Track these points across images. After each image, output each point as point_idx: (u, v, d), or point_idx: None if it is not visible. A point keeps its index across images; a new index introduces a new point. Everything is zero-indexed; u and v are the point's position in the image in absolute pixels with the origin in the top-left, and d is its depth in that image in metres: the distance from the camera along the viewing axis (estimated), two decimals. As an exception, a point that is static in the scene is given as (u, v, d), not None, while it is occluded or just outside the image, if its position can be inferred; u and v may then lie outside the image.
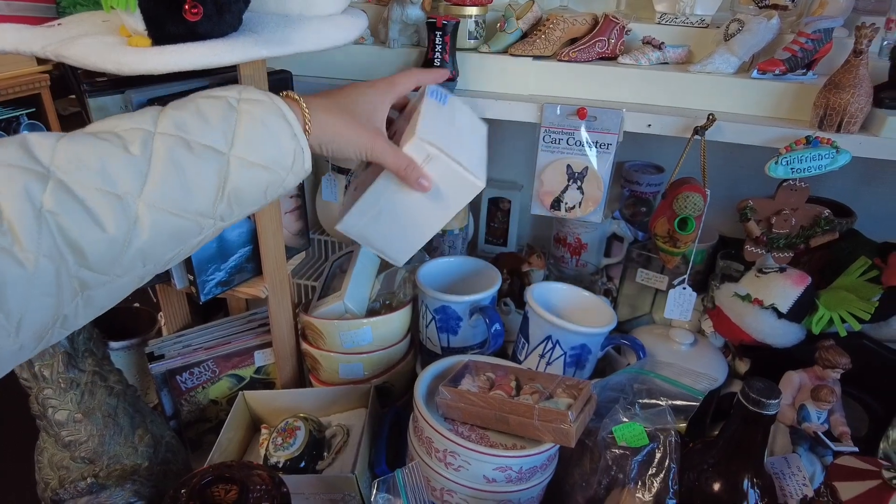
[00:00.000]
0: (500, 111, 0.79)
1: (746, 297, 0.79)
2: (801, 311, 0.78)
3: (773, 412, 0.57)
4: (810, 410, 0.75)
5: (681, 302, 0.83)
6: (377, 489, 0.52)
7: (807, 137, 0.70)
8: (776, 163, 0.71)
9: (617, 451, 0.67)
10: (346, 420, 0.83)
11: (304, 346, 0.84)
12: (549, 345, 0.78)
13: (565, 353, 0.78)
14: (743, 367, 0.87)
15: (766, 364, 0.84)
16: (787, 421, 0.76)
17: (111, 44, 0.55)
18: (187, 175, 0.45)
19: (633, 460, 0.66)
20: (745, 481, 0.61)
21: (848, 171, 0.97)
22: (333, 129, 0.55)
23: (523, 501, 0.67)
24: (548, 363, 0.79)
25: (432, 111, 0.65)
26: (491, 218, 1.12)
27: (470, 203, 1.09)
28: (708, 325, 0.85)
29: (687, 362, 0.80)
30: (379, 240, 0.69)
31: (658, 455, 0.65)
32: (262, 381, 0.88)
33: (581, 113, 0.76)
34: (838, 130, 0.71)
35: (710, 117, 0.72)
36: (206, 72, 0.75)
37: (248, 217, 0.73)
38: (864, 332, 0.81)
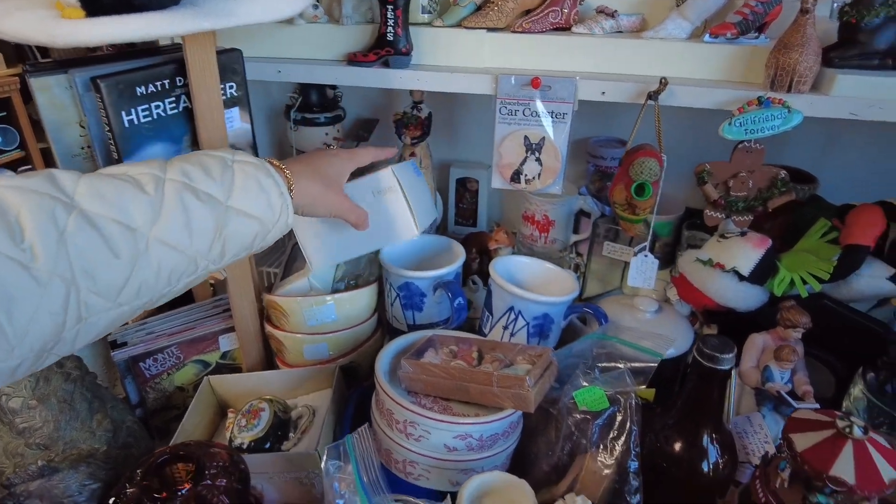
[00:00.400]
0: (454, 84, 0.79)
1: (708, 262, 0.79)
2: (762, 273, 0.78)
3: (728, 367, 0.58)
4: (774, 371, 0.75)
5: (643, 269, 0.83)
6: (327, 456, 0.52)
7: (759, 98, 0.71)
8: (730, 124, 0.71)
9: (578, 416, 0.67)
10: (312, 401, 0.83)
11: (269, 328, 0.84)
12: (512, 316, 0.78)
13: (528, 324, 0.78)
14: (710, 333, 0.87)
15: (732, 329, 0.83)
16: (752, 382, 0.77)
17: (44, 17, 0.55)
18: (192, 217, 0.50)
19: (594, 424, 0.66)
20: (705, 438, 0.61)
21: (810, 137, 0.99)
22: (311, 193, 0.62)
23: (486, 469, 0.66)
24: (511, 334, 0.79)
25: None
26: (459, 199, 1.12)
27: (437, 185, 1.10)
28: (673, 293, 0.85)
29: (651, 329, 0.80)
30: (309, 240, 0.78)
31: (619, 418, 0.65)
32: (229, 367, 0.88)
33: (535, 83, 0.75)
34: (789, 90, 0.71)
35: (662, 81, 0.72)
36: (151, 51, 0.75)
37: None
38: (826, 292, 0.81)
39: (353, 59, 0.81)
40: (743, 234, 0.80)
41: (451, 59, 0.82)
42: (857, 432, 0.58)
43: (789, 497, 0.60)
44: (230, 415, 0.81)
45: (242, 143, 0.78)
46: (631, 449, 0.64)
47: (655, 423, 0.64)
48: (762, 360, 0.77)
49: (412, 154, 0.98)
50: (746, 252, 0.78)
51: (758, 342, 0.77)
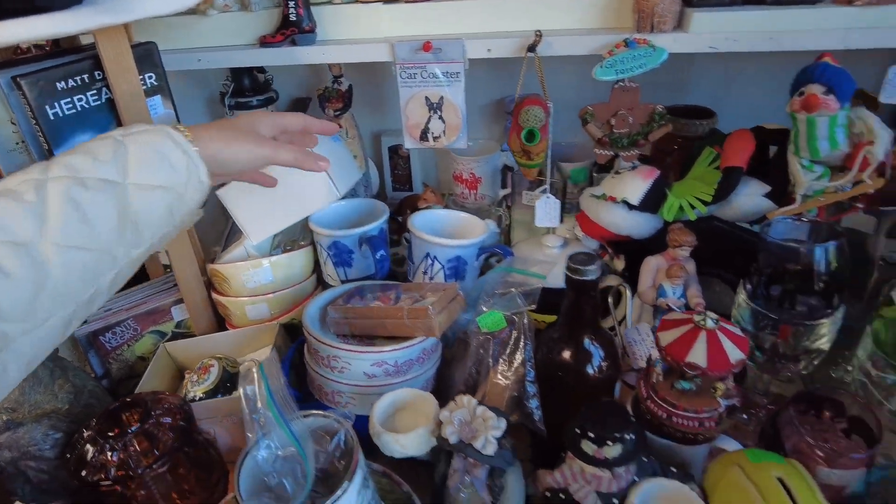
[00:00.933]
0: (356, 55, 0.86)
1: (602, 196, 0.87)
2: (652, 202, 0.86)
3: (593, 277, 0.65)
4: (666, 288, 0.83)
5: (547, 210, 0.91)
6: (244, 381, 0.60)
7: (625, 40, 0.78)
8: (601, 67, 0.79)
9: (482, 337, 0.75)
10: (258, 356, 0.91)
11: (214, 296, 0.92)
12: (429, 261, 0.86)
13: (443, 267, 0.86)
14: (619, 264, 0.95)
15: (637, 258, 0.92)
16: (648, 300, 0.85)
17: (-46, 22, 0.62)
18: (86, 210, 0.47)
19: (493, 343, 0.74)
20: (586, 342, 0.69)
21: (712, 75, 1.06)
22: (216, 144, 0.57)
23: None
24: (430, 278, 0.87)
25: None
26: (394, 166, 1.20)
27: (371, 153, 1.17)
28: (578, 230, 0.93)
29: (560, 258, 0.88)
30: (242, 213, 0.86)
31: (514, 335, 0.73)
32: (183, 335, 0.96)
33: (426, 47, 0.83)
34: (652, 31, 0.79)
35: (537, 34, 0.80)
36: (67, 50, 0.82)
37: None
38: (715, 214, 0.89)
39: (263, 42, 0.89)
40: (634, 167, 0.88)
41: (354, 32, 0.89)
42: (710, 324, 0.66)
43: (663, 388, 0.68)
44: (186, 376, 0.90)
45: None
46: (526, 361, 0.73)
47: (545, 338, 0.73)
48: (657, 279, 0.85)
49: (339, 126, 1.05)
50: (635, 183, 0.86)
51: (651, 264, 0.85)
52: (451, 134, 0.88)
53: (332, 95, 1.03)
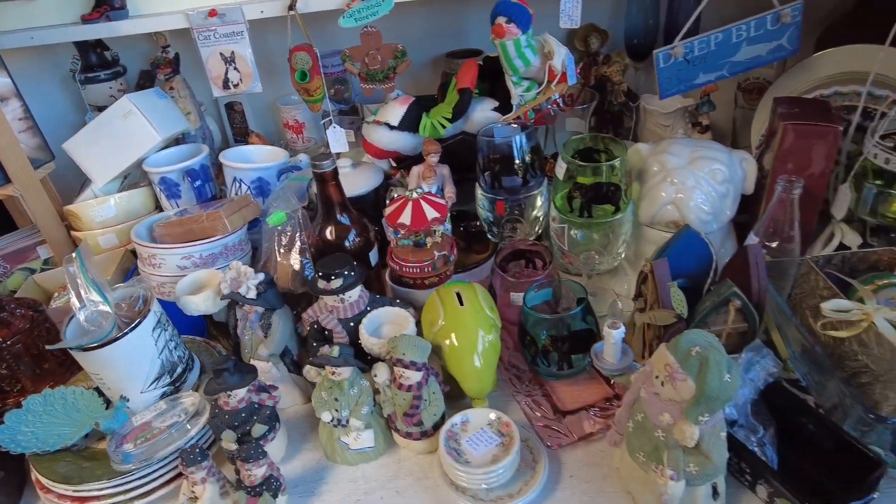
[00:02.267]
0: (160, 24, 1.07)
1: (372, 122, 1.11)
2: (410, 123, 1.10)
3: (325, 169, 0.89)
4: (424, 187, 1.08)
5: (336, 137, 1.14)
6: (66, 264, 0.82)
7: (360, -5, 1.01)
8: (343, 17, 1.02)
9: (275, 235, 0.99)
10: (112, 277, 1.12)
11: (73, 233, 1.12)
12: (237, 184, 1.09)
13: (249, 187, 1.09)
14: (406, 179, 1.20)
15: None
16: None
17: None
18: None
19: (279, 234, 0.98)
20: (339, 216, 0.93)
21: (481, 21, 1.29)
22: None
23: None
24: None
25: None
26: (232, 121, 1.41)
27: (205, 108, 1.37)
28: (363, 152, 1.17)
29: (352, 177, 1.12)
30: (86, 162, 1.07)
31: (290, 227, 0.97)
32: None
33: (212, 13, 1.04)
34: (382, -14, 1.02)
35: (294, -5, 1.02)
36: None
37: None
38: (466, 130, 1.14)
39: (85, 19, 1.08)
40: (397, 96, 1.12)
41: (159, 7, 1.10)
42: (415, 195, 0.91)
43: (396, 249, 0.93)
44: (52, 297, 1.10)
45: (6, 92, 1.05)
46: (302, 245, 0.97)
47: (314, 223, 0.96)
48: (419, 182, 1.10)
49: (171, 88, 1.26)
50: (394, 108, 1.10)
51: (415, 171, 1.10)
52: (247, 81, 1.10)
53: (161, 62, 1.23)
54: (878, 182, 0.90)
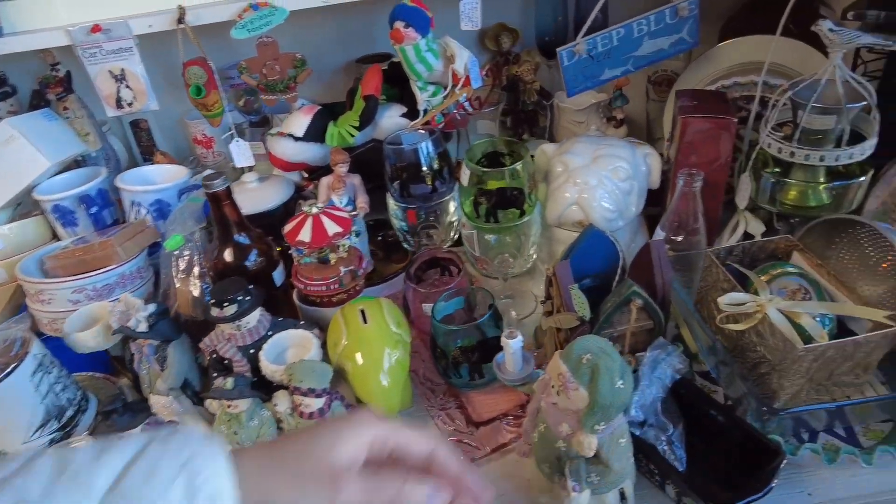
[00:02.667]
0: (39, 42, 1.01)
1: (276, 134, 1.07)
2: (316, 133, 1.07)
3: (216, 189, 0.85)
4: (334, 199, 1.05)
5: (240, 152, 1.10)
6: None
7: (250, 4, 0.97)
8: (236, 28, 0.98)
9: (172, 258, 0.94)
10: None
11: (-41, 270, 1.05)
12: (136, 207, 1.03)
13: (148, 209, 1.03)
14: (322, 190, 1.16)
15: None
16: (325, 211, 1.06)
17: None
18: None
19: (177, 258, 0.93)
20: (237, 237, 0.89)
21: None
22: (278, 479, 0.42)
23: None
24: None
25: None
26: (138, 139, 1.34)
27: (109, 128, 1.30)
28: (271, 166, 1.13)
29: (259, 192, 1.08)
30: None
31: (188, 251, 0.92)
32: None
33: (95, 29, 0.98)
34: (272, -6, 0.99)
35: (181, 9, 0.97)
36: None
37: None
38: (376, 137, 1.11)
39: (-45, 41, 1.01)
40: (302, 106, 1.08)
41: (39, 23, 1.03)
42: (314, 210, 0.88)
43: (299, 268, 0.90)
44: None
45: None
46: (201, 269, 0.92)
47: (211, 245, 0.92)
48: (329, 194, 1.07)
49: (65, 108, 1.19)
50: (299, 119, 1.06)
51: (324, 182, 1.06)
52: (141, 98, 1.05)
53: (50, 81, 1.16)
54: (775, 170, 0.91)
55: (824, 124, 0.81)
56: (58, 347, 0.83)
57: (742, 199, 0.91)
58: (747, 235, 0.93)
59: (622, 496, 0.66)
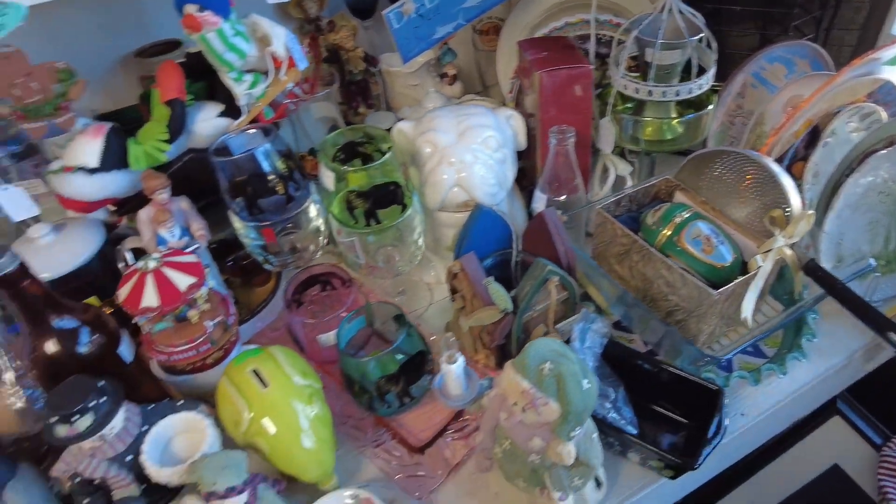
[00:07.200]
0: None
1: (59, 170, 0.83)
2: (115, 158, 0.84)
3: (6, 271, 0.63)
4: (163, 234, 0.85)
5: (14, 202, 0.83)
6: None
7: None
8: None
9: None
10: None
11: None
12: None
13: None
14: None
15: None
16: (150, 251, 0.86)
17: None
18: None
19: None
20: (55, 321, 0.68)
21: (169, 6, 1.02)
22: None
23: None
24: None
25: None
26: None
27: None
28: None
29: (59, 247, 0.83)
30: None
31: (-15, 354, 0.69)
32: None
33: None
34: (4, -12, 0.73)
35: None
36: None
37: None
38: (191, 146, 0.91)
39: None
40: (85, 126, 0.84)
41: None
42: (151, 265, 0.70)
43: (153, 337, 0.72)
44: None
45: None
46: (15, 373, 0.70)
47: (24, 340, 0.70)
48: (155, 229, 0.86)
49: None
50: (88, 145, 0.82)
51: (143, 216, 0.84)
52: None
53: None
54: (628, 107, 0.93)
55: (672, 59, 0.83)
56: None
57: (607, 144, 0.92)
58: (617, 178, 0.94)
59: (597, 482, 0.65)
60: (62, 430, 0.60)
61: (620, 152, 0.99)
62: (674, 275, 0.71)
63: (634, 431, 0.68)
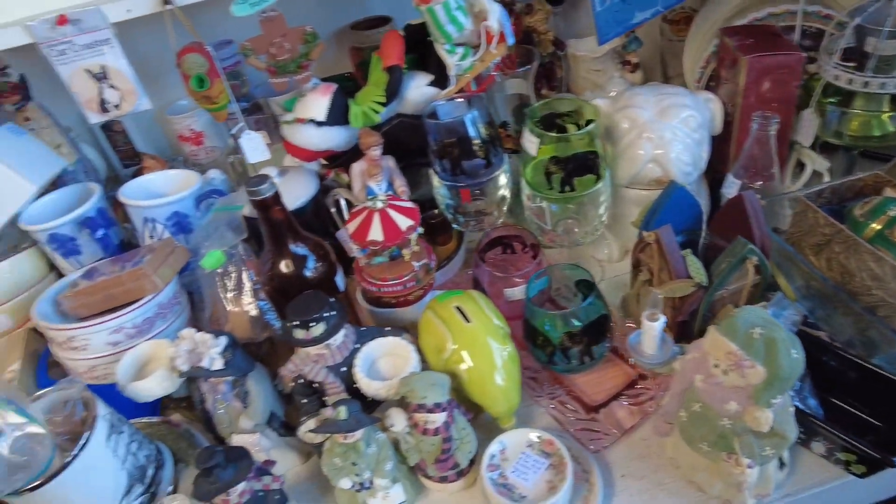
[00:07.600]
0: (-5, 44, 0.83)
1: (293, 121, 0.95)
2: (339, 114, 0.96)
3: (266, 195, 0.74)
4: (372, 186, 0.95)
5: (253, 146, 0.97)
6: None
7: (251, -25, 0.84)
8: (236, 4, 0.84)
9: (215, 278, 0.83)
10: (17, 366, 0.91)
11: (-53, 325, 0.89)
12: (150, 225, 0.91)
13: (166, 226, 0.91)
14: (345, 177, 1.05)
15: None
16: (362, 200, 0.97)
17: None
18: None
19: (221, 277, 0.82)
20: (292, 245, 0.79)
21: None
22: None
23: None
24: (159, 239, 0.92)
25: None
26: (114, 143, 1.18)
27: (76, 134, 1.14)
28: (289, 157, 1.01)
29: (284, 189, 0.96)
30: None
31: (232, 267, 0.82)
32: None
33: (60, 20, 0.82)
34: (277, -39, 0.85)
35: (168, -14, 0.83)
36: None
37: None
38: (400, 111, 1.01)
39: None
40: (314, 86, 0.96)
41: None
42: (379, 205, 0.79)
43: (368, 268, 0.81)
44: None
45: None
46: (254, 286, 0.82)
47: (262, 256, 0.82)
48: (364, 181, 0.97)
49: (26, 119, 1.01)
50: (316, 101, 0.94)
51: (356, 169, 0.96)
52: (130, 99, 0.90)
53: (3, 90, 0.98)
54: (831, 101, 0.90)
55: (895, 49, 0.79)
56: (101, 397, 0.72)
57: (807, 136, 0.89)
58: (813, 174, 0.92)
59: (781, 462, 0.65)
60: (300, 333, 0.71)
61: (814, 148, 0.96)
62: (884, 268, 0.69)
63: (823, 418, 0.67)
